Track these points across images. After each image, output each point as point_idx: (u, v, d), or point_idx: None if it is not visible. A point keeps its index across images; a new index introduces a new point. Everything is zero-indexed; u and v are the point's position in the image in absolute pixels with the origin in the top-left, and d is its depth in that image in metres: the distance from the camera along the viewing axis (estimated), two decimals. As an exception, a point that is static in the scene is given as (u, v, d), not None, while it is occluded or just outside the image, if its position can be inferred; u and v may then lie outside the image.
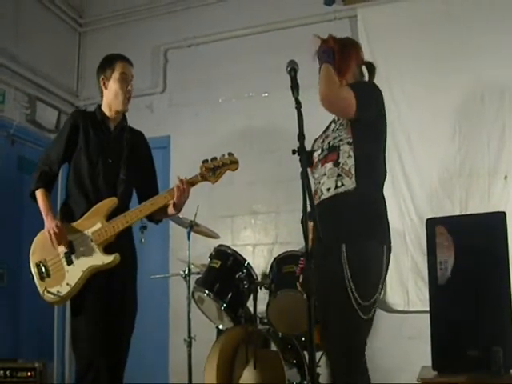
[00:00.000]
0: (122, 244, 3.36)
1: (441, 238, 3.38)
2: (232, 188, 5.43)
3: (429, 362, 3.31)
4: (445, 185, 4.95)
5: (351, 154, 2.80)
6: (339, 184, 2.77)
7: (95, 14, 6.68)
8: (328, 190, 2.81)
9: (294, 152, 2.75)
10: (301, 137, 2.39)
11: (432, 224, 3.46)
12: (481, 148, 4.89)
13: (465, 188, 4.88)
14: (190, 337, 4.50)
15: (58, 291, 3.23)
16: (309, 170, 2.97)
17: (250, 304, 4.44)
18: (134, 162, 3.56)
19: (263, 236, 5.62)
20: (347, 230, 2.61)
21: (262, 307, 4.40)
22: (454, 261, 3.34)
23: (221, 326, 4.54)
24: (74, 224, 3.34)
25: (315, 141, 3.09)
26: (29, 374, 4.62)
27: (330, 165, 2.84)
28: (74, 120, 3.50)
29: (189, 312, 4.51)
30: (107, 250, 3.29)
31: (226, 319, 4.45)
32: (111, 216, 3.34)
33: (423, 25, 5.22)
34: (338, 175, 2.78)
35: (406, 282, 4.97)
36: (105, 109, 3.56)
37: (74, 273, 3.24)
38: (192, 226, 4.62)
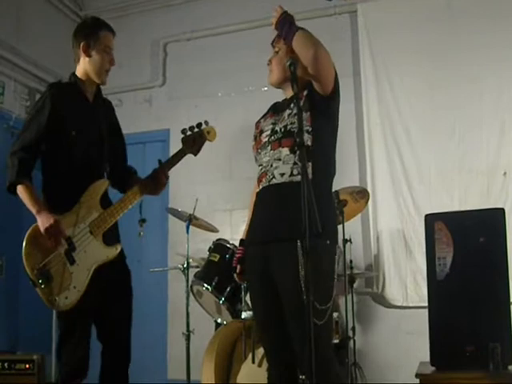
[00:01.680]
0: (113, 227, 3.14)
1: (440, 234, 3.39)
2: (231, 182, 5.43)
3: (427, 358, 3.32)
4: (444, 181, 4.96)
5: (309, 143, 2.67)
6: (295, 172, 2.64)
7: (95, 6, 6.66)
8: (282, 175, 2.68)
9: (293, 147, 2.74)
10: (300, 132, 2.38)
11: (431, 220, 3.46)
12: (480, 144, 4.89)
13: (464, 184, 4.88)
14: (188, 330, 4.51)
15: (66, 297, 2.90)
16: (253, 149, 2.92)
17: (248, 298, 4.45)
18: (111, 135, 3.30)
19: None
20: (301, 225, 2.33)
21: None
22: (452, 257, 3.35)
23: (219, 320, 4.54)
24: (67, 215, 2.99)
25: (263, 118, 2.99)
26: (27, 366, 4.63)
27: (285, 150, 2.71)
28: (52, 95, 3.12)
29: (187, 306, 4.52)
30: (104, 237, 3.04)
31: (225, 313, 4.45)
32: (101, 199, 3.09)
33: (423, 20, 5.21)
34: (295, 163, 2.66)
35: (405, 278, 4.98)
36: (81, 77, 3.26)
37: (80, 274, 2.94)
38: (191, 220, 4.62)
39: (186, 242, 4.63)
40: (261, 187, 2.78)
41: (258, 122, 2.99)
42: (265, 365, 4.11)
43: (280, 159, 2.71)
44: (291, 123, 2.73)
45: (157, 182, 3.19)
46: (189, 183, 5.53)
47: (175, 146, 4.96)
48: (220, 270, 4.43)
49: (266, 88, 5.79)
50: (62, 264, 2.94)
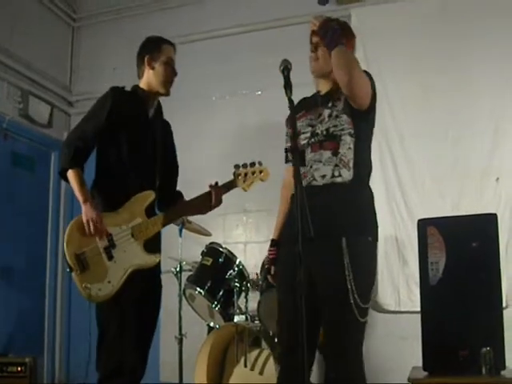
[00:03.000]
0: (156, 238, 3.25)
1: (432, 239, 3.39)
2: (224, 186, 5.42)
3: (419, 363, 3.32)
4: (437, 186, 4.96)
5: (351, 146, 2.74)
6: (336, 173, 2.70)
7: (89, 9, 6.66)
8: (323, 177, 2.73)
9: (286, 151, 2.75)
10: (294, 136, 2.39)
11: (423, 225, 3.46)
12: (473, 150, 4.90)
13: (457, 189, 4.89)
14: (180, 334, 4.50)
15: (99, 289, 2.97)
16: (289, 149, 2.91)
17: (241, 302, 4.45)
18: (165, 154, 3.44)
19: (255, 234, 5.62)
20: (346, 223, 2.53)
21: (253, 305, 4.40)
22: (445, 261, 3.35)
23: (212, 324, 4.54)
24: (113, 214, 3.11)
25: (293, 118, 2.99)
26: (19, 368, 4.62)
27: (327, 153, 2.73)
28: (113, 98, 3.24)
29: (180, 309, 4.51)
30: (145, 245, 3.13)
31: (217, 317, 4.45)
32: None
33: (417, 25, 5.22)
34: (336, 165, 2.71)
35: (398, 283, 4.98)
36: (145, 88, 3.39)
37: (116, 270, 3.02)
38: (184, 223, 4.61)
39: (179, 246, 4.63)
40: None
41: (291, 119, 2.94)
42: (257, 368, 4.12)
43: (320, 161, 2.74)
44: (333, 126, 2.77)
45: (214, 200, 3.25)
46: (182, 187, 5.53)
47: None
48: (213, 274, 4.44)
49: (259, 92, 5.81)
50: (100, 258, 3.02)
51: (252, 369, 4.17)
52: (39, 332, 6.02)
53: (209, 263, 4.47)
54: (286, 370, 2.77)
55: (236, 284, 4.35)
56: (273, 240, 3.05)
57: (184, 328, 4.52)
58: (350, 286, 2.54)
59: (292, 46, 5.12)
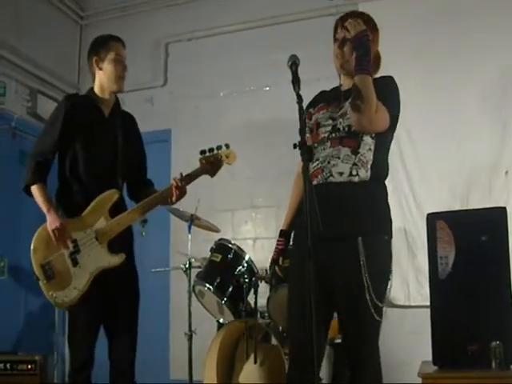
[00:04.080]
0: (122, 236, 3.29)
1: (441, 233, 3.38)
2: (233, 182, 5.43)
3: (429, 357, 3.31)
4: (446, 179, 4.95)
5: (372, 148, 2.73)
6: (354, 172, 2.68)
7: (96, 6, 6.67)
8: (341, 174, 2.69)
9: (295, 146, 2.73)
10: (302, 131, 2.38)
11: (433, 219, 3.46)
12: (482, 143, 4.88)
13: (466, 183, 4.88)
14: (190, 330, 4.51)
15: (65, 296, 3.09)
16: (310, 142, 2.90)
17: (250, 298, 4.45)
18: (127, 148, 3.44)
19: (264, 230, 5.63)
20: (362, 223, 2.52)
21: (262, 301, 4.40)
22: (454, 256, 3.34)
23: (221, 320, 4.54)
24: (76, 219, 3.19)
25: (314, 107, 2.93)
26: (29, 366, 4.63)
27: (346, 150, 2.71)
28: (67, 105, 3.31)
29: (189, 305, 4.51)
30: (109, 245, 3.20)
31: (227, 313, 4.45)
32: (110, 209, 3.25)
33: (425, 21, 5.21)
34: (354, 164, 2.69)
35: (407, 277, 4.97)
36: (98, 91, 3.40)
37: (81, 275, 3.12)
38: (193, 220, 4.62)
39: (188, 242, 4.63)
40: (315, 183, 2.73)
41: (308, 111, 2.92)
42: (266, 365, 4.12)
43: (339, 157, 2.71)
44: None
45: (179, 192, 3.27)
46: (190, 184, 5.53)
47: (177, 146, 5.02)
48: (222, 270, 4.44)
49: (267, 88, 5.81)
50: (66, 264, 3.13)
51: (261, 365, 4.17)
52: (49, 330, 6.03)
53: (218, 259, 4.46)
54: (296, 364, 2.76)
55: (245, 280, 4.35)
56: (282, 230, 3.04)
57: (193, 324, 4.53)
58: (366, 285, 2.54)
59: (300, 42, 5.13)
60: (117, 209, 3.27)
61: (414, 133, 5.11)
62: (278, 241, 3.03)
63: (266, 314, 4.36)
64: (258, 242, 5.62)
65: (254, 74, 5.80)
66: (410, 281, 4.95)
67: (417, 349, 3.80)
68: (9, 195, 5.52)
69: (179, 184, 3.23)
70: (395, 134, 5.05)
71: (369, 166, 2.71)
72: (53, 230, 3.08)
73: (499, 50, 4.90)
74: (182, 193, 3.28)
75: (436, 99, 5.07)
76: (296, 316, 2.78)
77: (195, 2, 6.18)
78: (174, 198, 3.29)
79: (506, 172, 4.79)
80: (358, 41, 2.67)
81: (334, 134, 2.77)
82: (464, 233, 3.37)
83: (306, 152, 2.35)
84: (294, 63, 2.54)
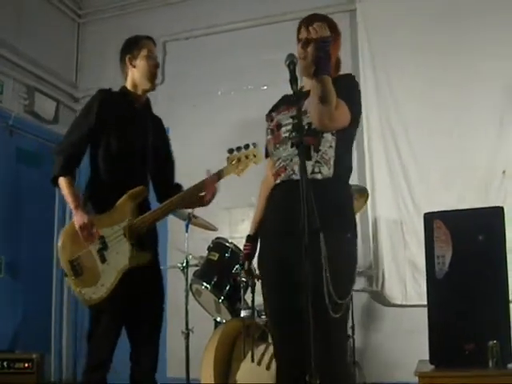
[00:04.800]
0: (148, 234, 3.30)
1: (438, 233, 3.39)
2: (229, 181, 5.41)
3: (426, 356, 3.32)
4: (443, 178, 4.96)
5: (333, 144, 2.70)
6: (316, 170, 2.67)
7: (94, 5, 6.67)
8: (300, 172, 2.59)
9: (292, 145, 2.73)
10: (299, 130, 2.38)
11: (430, 218, 3.46)
12: (479, 142, 4.89)
13: (463, 182, 4.89)
14: (187, 329, 4.51)
15: (93, 292, 3.07)
16: (269, 143, 2.88)
17: (247, 296, 4.45)
18: (157, 147, 3.48)
19: (262, 229, 5.62)
20: (325, 219, 2.35)
21: (259, 299, 4.40)
22: (451, 255, 3.35)
23: (218, 319, 4.54)
24: (104, 216, 3.18)
25: (276, 110, 2.93)
26: (26, 365, 4.63)
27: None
28: (100, 99, 3.31)
29: (186, 304, 4.52)
30: (137, 242, 3.19)
31: (224, 312, 4.45)
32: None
33: (422, 19, 5.22)
34: (317, 161, 2.68)
35: (404, 276, 4.98)
36: (130, 87, 3.44)
37: (109, 273, 3.10)
38: (190, 219, 4.62)
39: (185, 241, 4.63)
40: (279, 181, 2.76)
41: (270, 115, 2.94)
42: (264, 363, 4.12)
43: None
44: None
45: (208, 191, 3.32)
46: (186, 181, 5.52)
47: (174, 144, 4.95)
48: (219, 269, 4.44)
49: (265, 87, 5.80)
50: (94, 261, 3.11)
51: (259, 363, 4.17)
52: (46, 329, 6.04)
53: (215, 258, 4.46)
54: (285, 365, 2.76)
55: (243, 279, 4.35)
56: (249, 236, 3.05)
57: (191, 323, 4.53)
58: (326, 281, 2.49)
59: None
60: (142, 207, 3.27)
61: (412, 131, 5.13)
62: (244, 245, 3.05)
63: (263, 313, 4.36)
64: (256, 241, 5.61)
65: (252, 72, 5.80)
66: (407, 280, 4.96)
67: (414, 348, 3.81)
68: (6, 193, 5.53)
69: (210, 180, 3.24)
70: (393, 132, 5.15)
71: (331, 163, 2.69)
72: (80, 226, 3.07)
73: (498, 49, 4.91)
74: (214, 191, 3.33)
75: (433, 97, 5.08)
76: (275, 323, 2.83)
77: (193, 1, 6.18)
78: (208, 197, 3.33)
79: (503, 171, 4.80)
80: (321, 45, 2.63)
81: (293, 134, 2.73)
82: (461, 232, 3.38)
83: (304, 151, 2.35)
84: (291, 62, 2.54)
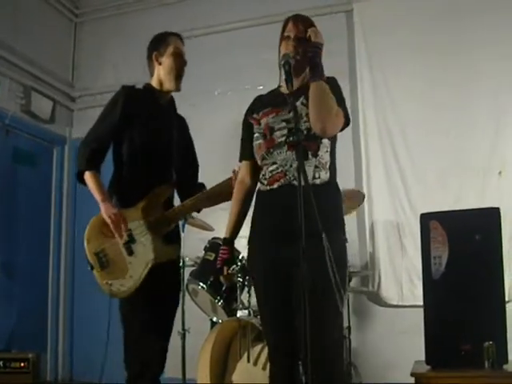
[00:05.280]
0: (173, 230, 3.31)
1: (435, 233, 3.39)
2: (226, 180, 5.42)
3: (422, 357, 3.32)
4: (439, 179, 4.97)
5: (328, 149, 2.73)
6: (316, 175, 2.68)
7: (91, 4, 6.66)
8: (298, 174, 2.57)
9: (287, 148, 2.73)
10: (296, 130, 2.38)
11: (426, 219, 3.47)
12: (476, 143, 4.90)
13: (459, 183, 4.89)
14: (183, 329, 4.50)
15: (121, 284, 3.02)
16: (260, 148, 2.84)
17: (244, 297, 4.45)
18: (181, 144, 3.45)
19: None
20: (325, 221, 2.36)
21: (255, 300, 4.40)
22: (447, 256, 3.35)
23: (215, 319, 4.54)
24: (131, 209, 3.14)
25: (257, 112, 2.91)
26: (22, 364, 4.63)
27: (308, 154, 2.69)
28: (126, 95, 3.26)
29: (183, 304, 4.50)
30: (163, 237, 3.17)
31: (220, 312, 4.45)
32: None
33: (419, 19, 5.22)
34: (316, 166, 2.69)
35: (400, 277, 4.99)
36: (155, 85, 3.39)
37: (137, 265, 3.05)
38: (186, 219, 4.61)
39: (182, 241, 4.62)
40: (276, 186, 2.74)
41: (252, 117, 2.93)
42: (260, 363, 4.12)
43: None
44: None
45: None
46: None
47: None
48: (215, 269, 4.41)
49: (261, 87, 5.79)
50: (120, 253, 3.07)
51: (255, 364, 4.17)
52: (42, 328, 6.03)
53: (212, 258, 4.46)
54: (277, 366, 2.76)
55: (239, 279, 4.35)
56: (225, 238, 3.05)
57: (187, 323, 4.53)
58: (334, 280, 2.50)
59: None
60: (167, 205, 3.26)
61: (408, 132, 5.13)
62: (221, 249, 3.03)
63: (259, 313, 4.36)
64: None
65: (249, 72, 5.79)
66: (403, 280, 4.96)
67: (410, 348, 3.81)
68: (2, 192, 5.52)
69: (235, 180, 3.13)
70: (389, 133, 5.15)
71: (327, 167, 2.72)
72: (109, 217, 3.04)
73: (494, 49, 4.91)
74: None
75: (429, 98, 5.08)
76: (270, 325, 2.82)
77: (191, 1, 6.18)
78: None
79: (500, 172, 4.81)
80: (316, 50, 2.67)
81: (292, 138, 2.68)
82: (457, 233, 3.39)
83: (301, 151, 2.35)
84: (286, 62, 2.55)
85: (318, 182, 2.68)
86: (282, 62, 2.54)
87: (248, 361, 4.12)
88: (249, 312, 4.35)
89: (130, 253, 3.08)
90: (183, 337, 4.51)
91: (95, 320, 6.01)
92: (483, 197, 4.78)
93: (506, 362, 3.17)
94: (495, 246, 3.30)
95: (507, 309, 3.27)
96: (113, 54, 6.40)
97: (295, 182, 2.65)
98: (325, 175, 2.71)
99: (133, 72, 6.33)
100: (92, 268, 3.05)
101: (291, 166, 2.70)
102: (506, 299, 3.40)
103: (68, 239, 6.33)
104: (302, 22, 2.86)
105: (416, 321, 3.58)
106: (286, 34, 2.86)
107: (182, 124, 3.58)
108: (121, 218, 3.06)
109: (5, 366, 4.64)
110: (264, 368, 4.04)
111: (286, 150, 2.72)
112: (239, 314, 4.30)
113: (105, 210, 3.06)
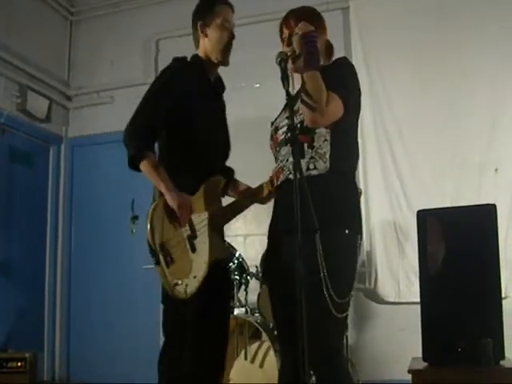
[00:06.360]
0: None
1: (431, 230, 3.39)
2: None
3: (419, 353, 3.32)
4: (436, 176, 4.97)
5: (328, 138, 2.63)
6: (311, 166, 2.62)
7: (87, 3, 6.64)
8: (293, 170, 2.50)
9: (286, 142, 2.73)
10: (292, 128, 2.38)
11: (423, 216, 3.46)
12: (472, 140, 4.91)
13: (456, 180, 4.90)
14: (180, 327, 4.49)
15: (186, 284, 2.61)
16: (271, 149, 2.87)
17: (241, 295, 4.45)
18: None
19: (255, 227, 5.61)
20: (320, 217, 2.30)
21: (253, 298, 4.40)
22: (444, 253, 3.35)
23: (212, 317, 4.53)
24: (194, 199, 2.76)
25: (292, 108, 2.68)
26: (19, 364, 4.63)
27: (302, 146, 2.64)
28: (177, 71, 2.94)
29: (180, 303, 4.50)
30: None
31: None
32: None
33: (415, 16, 5.23)
34: (312, 157, 2.63)
35: (397, 274, 4.99)
36: (203, 57, 3.07)
37: (199, 264, 2.69)
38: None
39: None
40: (279, 183, 2.75)
41: (289, 110, 2.71)
42: (257, 361, 4.12)
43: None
44: None
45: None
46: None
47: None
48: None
49: (258, 85, 5.80)
50: (185, 249, 2.69)
51: (252, 361, 4.18)
52: (39, 328, 6.02)
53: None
54: (289, 362, 2.74)
55: (236, 277, 4.35)
56: None
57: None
58: (324, 281, 2.47)
59: (290, 39, 5.12)
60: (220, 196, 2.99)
61: (405, 130, 5.14)
62: None
63: (257, 311, 4.36)
64: (249, 239, 5.61)
65: (245, 70, 5.78)
66: (400, 277, 4.97)
67: (407, 345, 3.81)
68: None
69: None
70: (386, 131, 5.14)
71: (327, 157, 2.63)
72: (180, 205, 2.63)
73: (490, 46, 4.93)
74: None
75: (426, 96, 5.09)
76: (281, 317, 2.81)
77: (187, -1, 6.16)
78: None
79: (496, 169, 4.82)
80: (307, 39, 2.59)
81: (289, 133, 2.57)
82: (454, 230, 3.38)
83: (297, 148, 2.34)
84: (282, 60, 2.53)
85: (314, 173, 2.62)
86: (278, 60, 2.53)
87: (245, 359, 4.12)
88: (246, 310, 4.36)
89: (194, 249, 2.70)
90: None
91: (92, 320, 6.01)
92: (479, 193, 4.79)
93: (503, 358, 3.17)
94: (491, 242, 3.30)
95: (504, 305, 3.27)
96: (109, 52, 6.39)
97: (291, 177, 2.62)
98: (323, 165, 2.63)
99: (129, 70, 6.35)
100: (158, 263, 2.63)
101: (287, 160, 2.71)
102: (503, 295, 3.41)
103: (65, 239, 6.32)
104: (293, 18, 2.86)
105: (413, 318, 3.59)
106: (282, 36, 2.88)
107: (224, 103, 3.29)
108: (191, 204, 2.70)
109: (1, 366, 4.64)
110: (261, 366, 4.05)
111: (285, 147, 2.74)
112: (236, 311, 4.31)
113: (176, 197, 2.65)
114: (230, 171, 3.21)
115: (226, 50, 3.09)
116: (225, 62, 3.11)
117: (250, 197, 3.03)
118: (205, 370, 2.79)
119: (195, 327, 2.78)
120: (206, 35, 3.06)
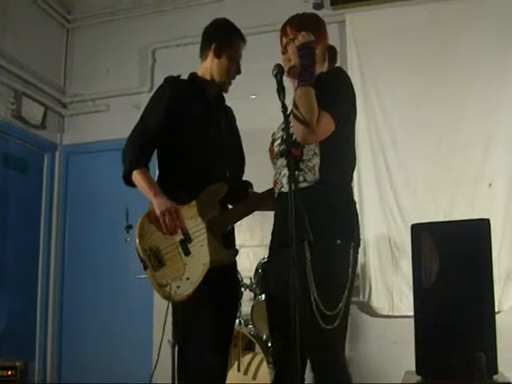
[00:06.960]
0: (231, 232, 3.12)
1: (425, 244, 3.39)
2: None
3: (413, 367, 3.31)
4: (430, 191, 4.99)
5: (317, 151, 2.63)
6: (301, 179, 2.62)
7: (84, 10, 6.65)
8: (288, 182, 2.52)
9: (281, 154, 2.73)
10: (287, 140, 2.38)
11: (417, 230, 3.46)
12: (466, 155, 4.93)
13: (450, 194, 4.91)
14: (173, 338, 4.48)
15: (177, 286, 2.71)
16: (271, 159, 2.89)
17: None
18: (232, 139, 3.27)
19: (249, 238, 5.60)
20: (311, 227, 2.29)
21: (246, 309, 4.39)
22: (438, 266, 3.35)
23: (205, 328, 4.52)
24: (186, 207, 2.86)
25: (287, 121, 2.65)
26: (9, 372, 4.58)
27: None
28: (172, 87, 3.08)
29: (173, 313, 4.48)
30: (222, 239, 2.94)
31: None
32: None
33: (411, 30, 5.26)
34: (301, 170, 2.63)
35: (391, 287, 4.99)
36: (203, 76, 3.19)
37: (195, 266, 2.77)
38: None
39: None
40: (276, 194, 2.79)
41: (285, 123, 2.73)
42: (250, 373, 4.11)
43: (286, 166, 2.58)
44: None
45: None
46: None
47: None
48: (206, 277, 4.41)
49: (254, 96, 5.80)
50: (177, 253, 2.78)
51: (245, 373, 4.16)
52: (30, 335, 5.99)
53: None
54: (284, 369, 2.74)
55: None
56: None
57: (177, 331, 4.51)
58: (311, 292, 2.46)
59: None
60: (222, 204, 3.04)
61: (400, 143, 5.15)
62: None
63: (250, 323, 4.35)
64: (243, 250, 5.58)
65: (241, 81, 5.77)
66: (394, 291, 4.97)
67: (400, 359, 3.80)
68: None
69: None
70: (381, 144, 5.14)
71: (316, 170, 2.63)
72: (162, 212, 2.73)
73: (484, 59, 4.96)
74: None
75: (421, 109, 5.11)
76: (278, 326, 2.78)
77: (184, 9, 6.17)
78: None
79: (490, 184, 4.83)
80: (303, 51, 2.63)
81: (282, 146, 2.70)
82: (448, 244, 3.39)
83: (292, 160, 2.34)
84: (278, 72, 2.54)
85: (303, 185, 2.62)
86: (274, 72, 2.54)
87: (238, 370, 4.11)
88: (239, 321, 4.34)
89: (187, 253, 2.79)
90: (173, 346, 4.47)
91: (84, 327, 5.98)
92: (473, 208, 4.80)
93: (496, 372, 3.16)
94: (485, 256, 3.30)
95: (497, 319, 3.27)
96: (105, 60, 6.39)
97: (283, 190, 2.69)
98: (312, 177, 2.63)
99: (125, 79, 6.35)
100: (145, 267, 2.72)
101: (280, 173, 2.74)
102: (496, 310, 3.41)
103: (58, 246, 6.30)
104: (290, 25, 2.86)
105: (407, 331, 3.58)
106: (282, 43, 2.89)
107: (230, 115, 3.42)
108: (177, 212, 2.76)
109: (-8, 374, 4.60)
110: (254, 377, 4.03)
111: (279, 159, 2.75)
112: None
113: (160, 204, 2.76)
114: (244, 187, 3.29)
115: (229, 79, 3.23)
116: (225, 89, 3.26)
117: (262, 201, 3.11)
118: (222, 367, 3.01)
119: (206, 327, 2.91)
120: (219, 57, 3.18)
